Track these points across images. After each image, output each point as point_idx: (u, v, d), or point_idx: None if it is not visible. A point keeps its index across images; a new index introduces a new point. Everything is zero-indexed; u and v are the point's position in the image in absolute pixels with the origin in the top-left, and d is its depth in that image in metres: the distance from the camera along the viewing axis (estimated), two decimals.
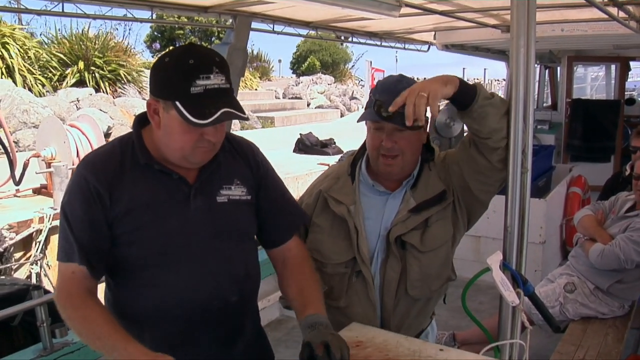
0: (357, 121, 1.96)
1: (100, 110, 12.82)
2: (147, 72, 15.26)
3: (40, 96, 12.76)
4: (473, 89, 1.75)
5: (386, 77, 1.99)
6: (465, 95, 1.73)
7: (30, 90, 12.61)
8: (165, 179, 1.55)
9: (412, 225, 1.91)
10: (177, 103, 1.40)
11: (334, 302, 2.00)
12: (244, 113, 1.45)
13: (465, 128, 1.94)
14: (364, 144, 2.05)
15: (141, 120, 1.59)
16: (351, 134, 15.15)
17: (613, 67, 7.92)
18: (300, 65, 28.75)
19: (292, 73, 29.67)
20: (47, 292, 4.83)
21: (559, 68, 7.86)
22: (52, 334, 2.92)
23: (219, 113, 1.39)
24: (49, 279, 5.56)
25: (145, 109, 1.53)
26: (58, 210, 5.83)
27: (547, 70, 8.17)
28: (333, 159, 9.38)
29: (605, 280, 3.49)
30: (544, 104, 8.36)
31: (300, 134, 12.84)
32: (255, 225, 1.72)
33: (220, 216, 1.60)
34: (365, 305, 1.95)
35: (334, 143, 12.77)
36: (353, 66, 30.15)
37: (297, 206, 1.86)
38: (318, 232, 2.00)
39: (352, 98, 24.48)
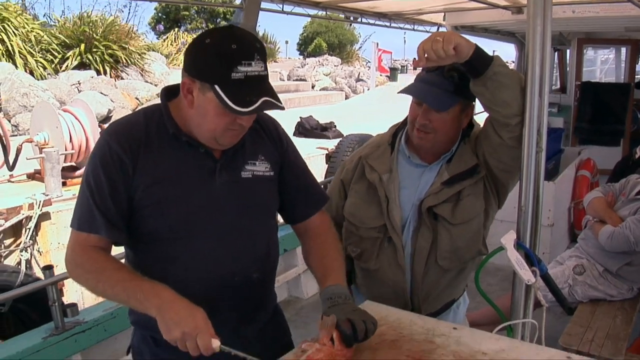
0: (398, 92, 1.99)
1: (101, 93, 12.77)
2: (150, 55, 15.25)
3: (42, 79, 12.69)
4: (490, 57, 1.76)
5: None
6: (482, 59, 1.74)
7: (31, 73, 12.53)
8: (192, 151, 1.54)
9: (444, 197, 1.94)
10: (217, 87, 1.39)
11: (365, 264, 2.06)
12: (281, 102, 1.45)
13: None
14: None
15: (168, 93, 1.58)
16: (356, 116, 15.12)
17: (623, 49, 7.84)
18: (306, 47, 28.62)
19: (299, 54, 29.57)
20: (38, 279, 4.88)
21: (568, 51, 7.80)
22: (64, 313, 2.94)
23: (259, 102, 1.39)
24: (39, 265, 5.54)
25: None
26: (49, 197, 5.88)
27: (556, 53, 8.10)
28: (333, 143, 9.34)
29: (615, 263, 3.49)
30: (553, 87, 8.30)
31: (300, 117, 12.73)
32: (277, 201, 1.72)
33: (244, 192, 1.59)
34: (395, 271, 1.99)
35: (335, 126, 12.67)
36: (360, 47, 30.05)
37: (318, 184, 1.85)
38: (355, 197, 2.07)
39: (358, 80, 24.30)
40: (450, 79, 1.86)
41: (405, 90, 1.94)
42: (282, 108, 1.45)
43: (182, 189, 1.52)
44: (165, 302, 1.37)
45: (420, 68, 1.93)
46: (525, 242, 1.90)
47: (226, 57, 1.38)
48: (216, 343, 1.35)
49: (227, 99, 1.38)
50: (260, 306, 1.70)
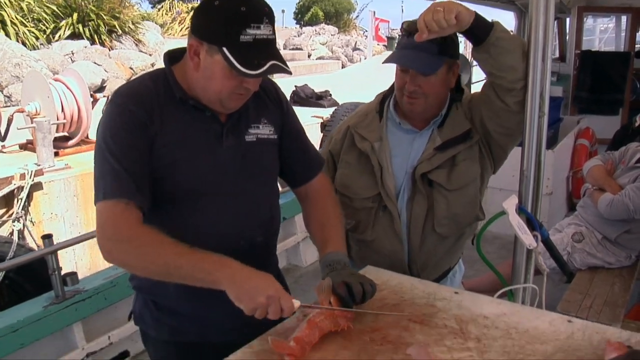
0: (382, 62, 1.95)
1: (95, 63, 12.60)
2: (145, 24, 14.96)
3: (34, 49, 12.51)
4: (490, 23, 1.74)
5: None
6: (483, 26, 1.72)
7: (23, 43, 12.30)
8: (198, 115, 1.52)
9: (437, 162, 1.92)
10: (225, 49, 1.37)
11: (361, 235, 2.04)
12: (288, 67, 1.43)
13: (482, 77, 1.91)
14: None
15: (172, 57, 1.56)
16: (352, 85, 15.03)
17: (624, 18, 7.76)
18: (303, 16, 28.27)
19: (296, 23, 29.20)
20: (31, 249, 4.86)
21: (568, 19, 7.71)
22: (64, 282, 2.95)
23: (267, 65, 1.38)
24: (32, 236, 5.54)
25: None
26: (41, 167, 5.82)
27: (555, 21, 8.01)
28: (328, 112, 9.30)
29: (614, 231, 3.51)
30: (552, 56, 8.23)
31: (296, 86, 12.56)
32: (278, 164, 1.72)
33: (249, 155, 1.59)
34: (392, 239, 1.98)
35: (330, 95, 12.53)
36: (357, 16, 29.70)
37: (314, 147, 1.85)
38: (346, 168, 2.05)
39: (355, 49, 24.00)
40: (432, 40, 1.78)
41: (390, 59, 1.90)
42: (290, 72, 1.44)
43: (189, 152, 1.50)
44: (237, 271, 1.36)
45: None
46: (527, 207, 1.89)
47: (235, 19, 1.36)
48: (297, 303, 1.38)
49: (235, 62, 1.36)
50: (263, 270, 1.68)
